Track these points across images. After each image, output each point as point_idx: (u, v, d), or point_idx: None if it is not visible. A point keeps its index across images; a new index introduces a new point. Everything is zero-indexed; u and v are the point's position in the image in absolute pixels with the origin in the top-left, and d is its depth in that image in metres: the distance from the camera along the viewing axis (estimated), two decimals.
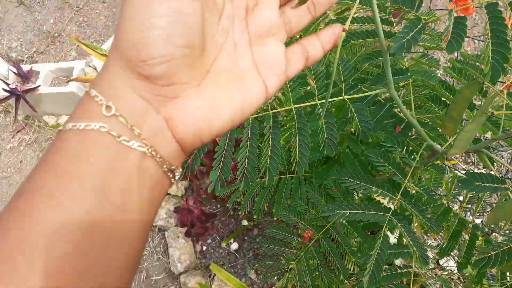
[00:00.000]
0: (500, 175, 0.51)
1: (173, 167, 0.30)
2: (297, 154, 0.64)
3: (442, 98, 0.68)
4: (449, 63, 0.70)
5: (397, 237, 0.87)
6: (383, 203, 0.94)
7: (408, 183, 0.61)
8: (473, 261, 0.56)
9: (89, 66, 1.96)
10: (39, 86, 1.89)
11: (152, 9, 0.26)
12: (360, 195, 0.99)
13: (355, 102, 0.62)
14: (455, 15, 0.40)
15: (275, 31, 0.35)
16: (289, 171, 1.03)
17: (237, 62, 0.33)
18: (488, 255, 0.44)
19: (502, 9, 0.39)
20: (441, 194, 0.82)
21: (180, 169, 0.31)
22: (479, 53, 1.05)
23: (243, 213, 1.10)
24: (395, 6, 0.51)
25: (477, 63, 0.67)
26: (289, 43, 0.36)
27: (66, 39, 2.21)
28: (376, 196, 0.69)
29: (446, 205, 0.75)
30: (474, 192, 0.76)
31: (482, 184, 0.47)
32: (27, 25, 2.26)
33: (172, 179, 0.31)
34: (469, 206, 0.74)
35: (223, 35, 0.32)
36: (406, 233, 0.60)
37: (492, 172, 0.52)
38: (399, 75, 0.61)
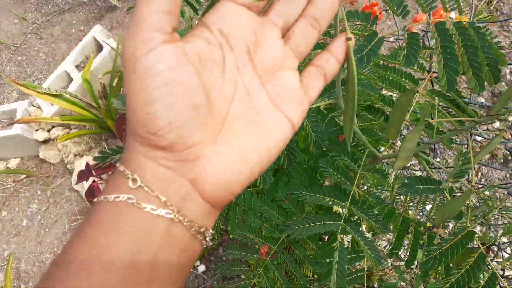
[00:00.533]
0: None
1: (202, 229, 0.30)
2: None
3: (377, 106, 0.70)
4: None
5: (349, 240, 0.87)
6: (332, 208, 0.95)
7: (356, 189, 0.62)
8: (420, 262, 0.57)
9: (33, 105, 1.90)
10: None
11: (148, 85, 0.27)
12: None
13: (309, 114, 0.62)
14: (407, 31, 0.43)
15: (284, 62, 0.34)
16: None
17: (252, 106, 0.32)
18: (433, 255, 0.46)
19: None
20: (385, 195, 0.84)
21: (212, 230, 0.31)
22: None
23: (212, 237, 1.08)
24: (350, 19, 0.53)
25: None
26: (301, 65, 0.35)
27: (6, 80, 2.13)
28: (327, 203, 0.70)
29: (390, 206, 0.77)
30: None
31: (422, 187, 0.49)
32: None
33: (203, 241, 0.31)
34: (411, 204, 0.76)
35: (230, 85, 0.32)
36: (359, 238, 0.61)
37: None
38: (343, 86, 0.62)
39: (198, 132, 0.29)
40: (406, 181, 0.53)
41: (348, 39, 0.35)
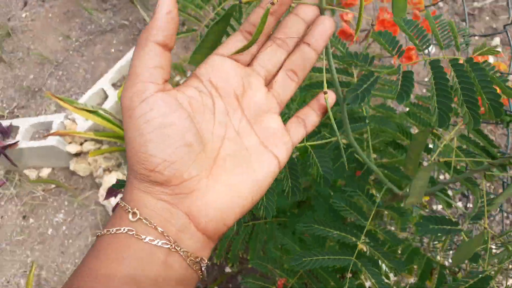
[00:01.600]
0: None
1: (197, 259, 0.33)
2: (264, 199, 0.64)
3: (400, 142, 0.71)
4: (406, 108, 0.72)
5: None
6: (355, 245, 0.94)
7: (373, 227, 0.62)
8: None
9: (68, 119, 1.98)
10: (18, 141, 1.89)
11: (143, 129, 0.31)
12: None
13: (317, 148, 0.64)
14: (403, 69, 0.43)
15: (268, 107, 0.39)
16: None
17: (243, 145, 0.36)
18: None
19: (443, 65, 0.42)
20: (410, 234, 0.83)
21: (207, 261, 0.34)
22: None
23: (231, 264, 1.09)
24: (349, 60, 0.54)
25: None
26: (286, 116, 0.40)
27: (45, 94, 2.24)
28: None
29: (414, 245, 0.76)
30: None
31: (437, 227, 0.49)
32: (7, 81, 2.29)
33: (199, 272, 0.33)
34: (436, 245, 0.75)
35: (221, 127, 0.36)
36: (370, 275, 0.60)
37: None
38: (358, 123, 0.64)
39: (192, 167, 0.32)
40: (421, 220, 0.53)
41: (324, 92, 0.39)
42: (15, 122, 1.99)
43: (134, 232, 0.31)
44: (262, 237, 1.01)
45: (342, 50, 0.67)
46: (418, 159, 0.51)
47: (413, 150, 0.49)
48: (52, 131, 1.87)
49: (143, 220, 0.31)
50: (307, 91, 0.66)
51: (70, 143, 1.96)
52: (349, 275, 0.62)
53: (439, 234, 0.50)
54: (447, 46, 0.45)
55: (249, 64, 0.39)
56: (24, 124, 1.97)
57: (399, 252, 0.78)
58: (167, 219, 0.32)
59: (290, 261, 0.62)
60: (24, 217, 1.94)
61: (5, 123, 1.97)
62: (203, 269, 0.34)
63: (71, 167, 1.98)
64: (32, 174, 2.04)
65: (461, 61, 0.41)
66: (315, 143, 0.63)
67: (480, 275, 0.49)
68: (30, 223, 1.93)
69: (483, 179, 0.47)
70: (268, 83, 0.40)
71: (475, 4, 2.11)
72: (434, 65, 0.41)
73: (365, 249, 0.67)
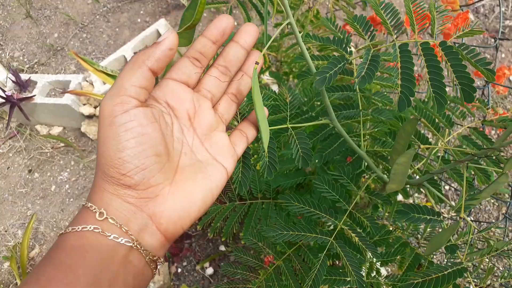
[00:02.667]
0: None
1: (155, 258, 0.37)
2: (239, 174, 0.64)
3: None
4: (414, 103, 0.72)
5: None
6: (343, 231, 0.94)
7: (354, 211, 0.62)
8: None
9: (86, 81, 2.00)
10: (35, 95, 1.92)
11: (122, 137, 0.35)
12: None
13: (298, 132, 0.63)
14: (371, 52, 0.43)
15: (216, 126, 0.45)
16: (261, 196, 1.04)
17: (196, 158, 0.42)
18: (416, 281, 0.45)
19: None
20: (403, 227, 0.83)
21: (162, 260, 0.38)
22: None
23: (225, 239, 1.10)
24: (325, 44, 0.54)
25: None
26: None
27: (68, 53, 2.27)
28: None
29: (405, 239, 0.76)
30: (431, 228, 0.77)
31: (417, 215, 0.48)
32: (31, 37, 2.33)
33: (154, 270, 0.38)
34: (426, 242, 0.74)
35: (179, 143, 0.41)
36: (344, 256, 0.60)
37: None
38: (350, 109, 0.64)
39: (159, 175, 0.37)
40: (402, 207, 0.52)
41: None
42: (33, 77, 2.02)
43: (100, 230, 0.34)
44: (257, 216, 1.02)
45: (333, 29, 0.67)
46: (404, 149, 0.50)
47: (400, 140, 0.48)
48: (69, 90, 1.90)
49: (109, 219, 0.34)
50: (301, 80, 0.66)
51: (84, 104, 1.98)
52: (326, 256, 0.62)
53: (418, 223, 0.49)
54: (420, 30, 0.44)
55: (196, 88, 0.44)
56: (42, 80, 2.00)
57: (388, 243, 0.78)
58: (131, 220, 0.35)
59: (269, 231, 0.62)
60: (30, 171, 1.98)
61: (24, 76, 2.01)
62: (158, 267, 0.38)
63: (82, 129, 2.01)
64: (43, 130, 2.07)
65: (432, 45, 0.40)
66: (297, 125, 0.61)
67: (456, 267, 0.48)
68: (35, 177, 1.97)
69: (464, 169, 0.46)
70: (214, 105, 0.45)
71: (507, 22, 2.08)
72: (402, 48, 0.41)
73: (351, 237, 0.66)
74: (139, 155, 0.35)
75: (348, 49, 0.52)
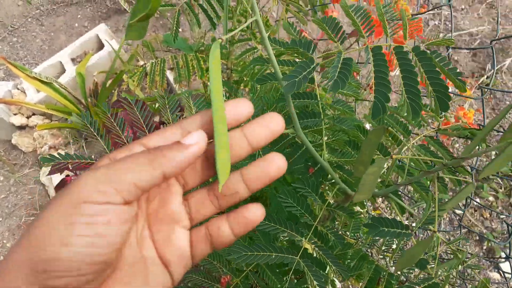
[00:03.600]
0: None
1: None
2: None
3: (358, 142, 0.69)
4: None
5: None
6: (307, 248, 0.92)
7: (322, 227, 0.59)
8: None
9: (17, 89, 1.84)
10: None
11: (74, 228, 0.27)
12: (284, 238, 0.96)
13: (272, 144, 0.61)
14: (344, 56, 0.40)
15: (178, 220, 0.35)
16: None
17: (141, 254, 0.33)
18: None
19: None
20: (362, 240, 0.82)
21: None
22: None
23: None
24: (292, 47, 0.51)
25: (395, 114, 0.69)
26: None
27: None
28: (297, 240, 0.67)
29: (365, 251, 0.75)
30: (388, 239, 0.77)
31: (386, 229, 0.46)
32: None
33: None
34: (386, 252, 0.74)
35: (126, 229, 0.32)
36: (311, 275, 0.58)
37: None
38: (311, 118, 0.61)
39: (92, 282, 0.29)
40: (370, 221, 0.51)
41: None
42: None
43: None
44: None
45: (294, 34, 0.65)
46: (369, 161, 0.49)
47: (364, 151, 0.46)
48: None
49: None
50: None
51: (15, 114, 1.82)
52: (291, 275, 0.59)
53: (388, 237, 0.48)
54: (392, 35, 0.43)
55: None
56: None
57: (348, 256, 0.76)
58: None
59: (230, 253, 0.58)
60: None
61: None
62: None
63: (13, 141, 1.84)
64: None
65: (406, 49, 0.39)
66: None
67: (427, 282, 0.47)
68: None
69: (435, 180, 0.46)
70: (185, 194, 0.37)
71: (441, 35, 2.21)
72: (376, 52, 0.38)
73: (313, 251, 0.64)
74: (83, 259, 0.28)
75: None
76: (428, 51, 0.38)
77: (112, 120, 0.55)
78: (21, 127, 1.85)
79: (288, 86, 0.36)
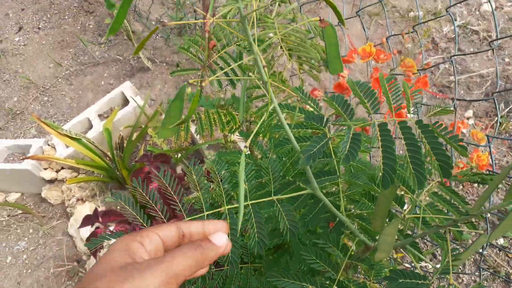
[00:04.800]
0: None
1: None
2: (255, 233, 0.62)
3: (374, 194, 0.73)
4: None
5: None
6: None
7: (345, 279, 0.62)
8: None
9: (48, 145, 1.95)
10: None
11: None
12: None
13: (284, 203, 0.64)
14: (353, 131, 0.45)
15: None
16: (240, 261, 1.03)
17: None
18: None
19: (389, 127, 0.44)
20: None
21: None
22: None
23: None
24: (308, 122, 0.57)
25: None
26: None
27: (28, 117, 2.22)
28: None
29: None
30: None
31: (405, 281, 0.50)
32: None
33: None
34: None
35: None
36: None
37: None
38: (329, 176, 0.66)
39: None
40: (388, 274, 0.53)
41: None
42: None
43: None
44: (236, 282, 0.99)
45: (313, 106, 0.70)
46: (385, 215, 0.52)
47: (380, 206, 0.50)
48: (29, 155, 1.84)
49: None
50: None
51: (46, 169, 1.92)
52: None
53: None
54: (397, 109, 0.48)
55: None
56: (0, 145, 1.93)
57: None
58: None
59: None
60: None
61: None
62: None
63: (43, 194, 1.92)
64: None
65: (409, 124, 0.43)
66: (282, 197, 0.62)
67: None
68: None
69: (447, 234, 0.49)
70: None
71: (451, 78, 2.27)
72: (382, 127, 0.43)
73: None
74: None
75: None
76: (430, 124, 0.44)
77: (145, 194, 0.59)
78: (51, 181, 1.94)
79: (305, 159, 0.41)
